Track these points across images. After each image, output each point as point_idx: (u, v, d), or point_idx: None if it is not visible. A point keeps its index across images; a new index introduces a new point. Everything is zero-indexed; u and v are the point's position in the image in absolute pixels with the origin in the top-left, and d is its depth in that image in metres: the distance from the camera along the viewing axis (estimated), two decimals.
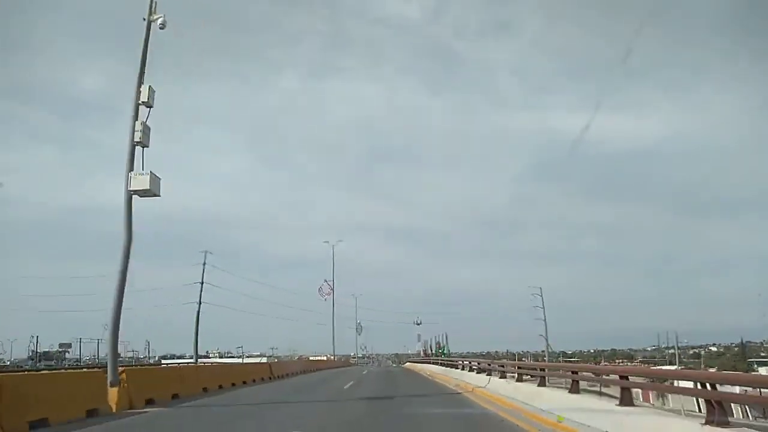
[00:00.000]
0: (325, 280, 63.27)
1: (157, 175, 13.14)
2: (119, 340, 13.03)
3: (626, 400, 8.04)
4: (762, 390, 7.68)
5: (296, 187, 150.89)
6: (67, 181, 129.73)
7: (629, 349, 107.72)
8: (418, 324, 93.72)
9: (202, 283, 51.76)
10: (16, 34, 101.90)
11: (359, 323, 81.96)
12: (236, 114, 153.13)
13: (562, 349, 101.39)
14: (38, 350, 63.21)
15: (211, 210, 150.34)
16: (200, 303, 50.75)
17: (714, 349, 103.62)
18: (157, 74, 13.94)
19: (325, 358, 64.53)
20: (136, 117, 13.20)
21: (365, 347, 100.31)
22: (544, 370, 13.86)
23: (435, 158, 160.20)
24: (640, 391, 16.32)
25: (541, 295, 66.08)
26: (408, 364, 57.66)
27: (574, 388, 10.37)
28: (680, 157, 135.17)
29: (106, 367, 12.12)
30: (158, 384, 13.47)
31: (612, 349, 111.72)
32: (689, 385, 7.85)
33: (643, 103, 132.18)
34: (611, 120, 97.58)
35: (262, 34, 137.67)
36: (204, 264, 52.91)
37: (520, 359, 76.66)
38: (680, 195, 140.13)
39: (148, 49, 13.70)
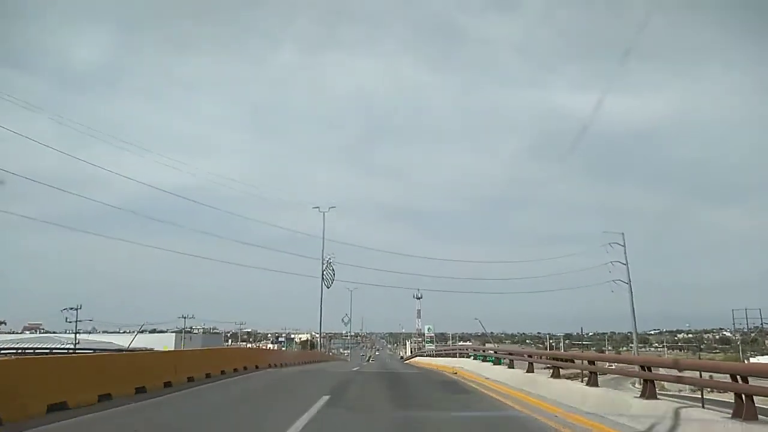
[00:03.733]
0: None
1: None
2: None
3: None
4: None
5: (292, 161, 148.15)
6: None
7: (620, 332, 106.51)
8: (418, 298, 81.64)
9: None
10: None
11: (328, 260, 47.59)
12: (236, 87, 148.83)
13: (549, 332, 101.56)
14: None
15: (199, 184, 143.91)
16: None
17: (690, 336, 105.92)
18: (156, 44, 13.17)
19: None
20: None
21: (349, 319, 67.14)
22: None
23: (435, 134, 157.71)
24: None
25: (626, 252, 47.10)
26: (449, 359, 27.23)
27: None
28: (679, 139, 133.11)
29: None
30: None
31: (604, 332, 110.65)
32: None
33: (648, 83, 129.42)
34: (613, 100, 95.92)
35: (262, 7, 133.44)
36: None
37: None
38: (680, 176, 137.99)
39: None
